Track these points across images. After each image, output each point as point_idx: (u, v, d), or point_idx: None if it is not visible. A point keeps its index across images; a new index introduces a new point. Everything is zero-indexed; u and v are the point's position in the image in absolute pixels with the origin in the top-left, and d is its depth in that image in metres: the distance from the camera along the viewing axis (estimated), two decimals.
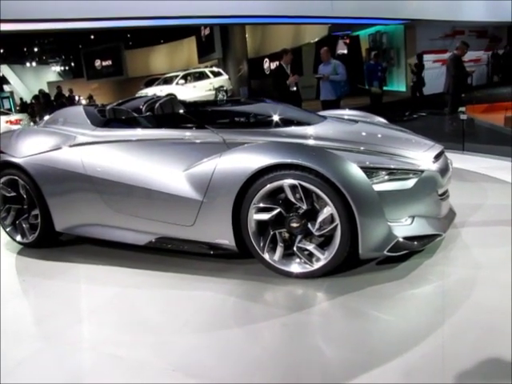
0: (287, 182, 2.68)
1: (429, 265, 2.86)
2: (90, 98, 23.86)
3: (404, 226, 2.77)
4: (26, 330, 2.61)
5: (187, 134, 3.29)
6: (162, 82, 17.62)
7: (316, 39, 16.46)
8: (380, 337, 2.21)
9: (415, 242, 2.81)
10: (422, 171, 2.87)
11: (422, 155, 3.03)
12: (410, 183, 2.80)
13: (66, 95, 15.21)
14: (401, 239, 2.72)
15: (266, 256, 2.83)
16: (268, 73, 19.25)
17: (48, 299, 2.97)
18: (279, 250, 2.80)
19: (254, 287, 2.78)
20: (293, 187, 2.69)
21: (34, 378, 2.14)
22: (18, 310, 2.88)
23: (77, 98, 23.69)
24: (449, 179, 3.18)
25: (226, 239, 2.91)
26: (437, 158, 3.10)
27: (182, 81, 17.02)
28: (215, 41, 19.79)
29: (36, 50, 31.21)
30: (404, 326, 2.26)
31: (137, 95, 14.11)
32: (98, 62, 27.33)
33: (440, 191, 3.01)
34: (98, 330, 2.52)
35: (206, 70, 17.99)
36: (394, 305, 2.47)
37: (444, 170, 3.09)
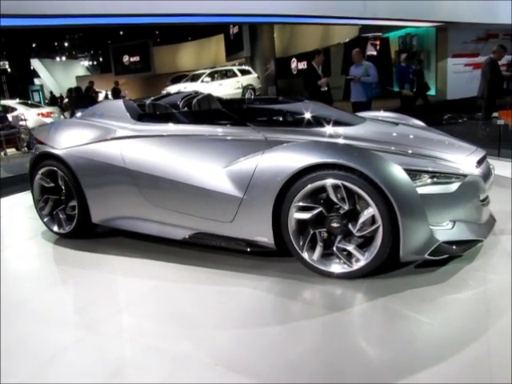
0: (330, 181, 2.67)
1: (469, 270, 2.82)
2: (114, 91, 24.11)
3: (445, 230, 2.74)
4: (67, 318, 2.66)
5: (228, 130, 3.30)
6: (190, 79, 17.71)
7: (346, 40, 16.32)
8: (423, 340, 2.19)
9: (455, 247, 2.78)
10: (465, 175, 2.83)
11: (465, 159, 2.99)
12: (453, 187, 2.76)
13: (96, 90, 15.39)
14: (442, 243, 2.69)
15: (305, 255, 2.83)
16: (295, 73, 19.21)
17: (87, 289, 3.02)
18: (318, 250, 2.80)
19: (293, 285, 2.79)
20: (335, 187, 2.68)
21: (77, 365, 2.18)
22: (59, 298, 2.94)
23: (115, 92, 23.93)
24: (491, 184, 3.14)
25: (265, 237, 2.92)
26: (479, 162, 3.05)
27: (208, 78, 17.04)
28: (244, 39, 19.79)
29: (66, 44, 31.72)
30: (447, 331, 2.23)
31: (163, 92, 14.24)
32: (126, 58, 27.56)
33: (482, 196, 2.96)
34: (137, 321, 2.56)
35: (234, 68, 18.00)
36: (436, 309, 2.44)
37: (486, 175, 3.04)
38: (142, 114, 3.78)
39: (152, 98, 4.15)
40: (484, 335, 2.15)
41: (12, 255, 3.77)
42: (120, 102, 3.97)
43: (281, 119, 3.71)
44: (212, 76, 17.29)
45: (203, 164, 3.17)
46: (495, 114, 7.55)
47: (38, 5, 8.47)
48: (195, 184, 3.13)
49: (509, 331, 2.18)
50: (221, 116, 3.63)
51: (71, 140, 3.78)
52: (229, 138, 3.25)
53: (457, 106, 12.32)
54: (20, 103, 13.58)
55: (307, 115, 3.42)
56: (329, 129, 3.23)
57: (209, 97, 4.29)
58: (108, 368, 2.14)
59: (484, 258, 2.99)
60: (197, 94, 4.33)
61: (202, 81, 16.67)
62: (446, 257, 2.80)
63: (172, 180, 3.23)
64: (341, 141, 3.01)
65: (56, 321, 2.62)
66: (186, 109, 3.95)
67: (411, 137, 3.32)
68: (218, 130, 3.32)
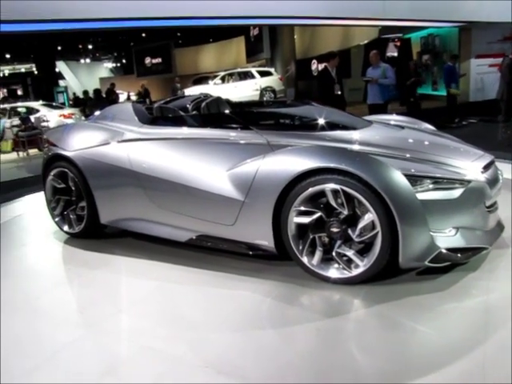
0: (329, 186, 2.66)
1: (472, 279, 2.76)
2: (139, 94, 24.42)
3: (447, 237, 2.70)
4: (69, 317, 2.71)
5: (232, 134, 3.32)
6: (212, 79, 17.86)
7: (365, 41, 16.18)
8: (416, 349, 2.17)
9: (459, 254, 2.72)
10: (469, 181, 2.78)
11: (470, 165, 2.94)
12: (456, 193, 2.71)
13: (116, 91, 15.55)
14: (444, 250, 2.65)
15: (305, 259, 2.82)
16: (316, 74, 19.12)
17: (91, 289, 3.08)
18: (318, 254, 2.79)
19: (291, 290, 2.78)
20: (334, 192, 2.67)
21: (73, 364, 2.23)
22: (63, 297, 3.00)
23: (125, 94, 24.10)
24: (498, 191, 3.07)
25: (266, 240, 2.93)
26: (486, 168, 2.99)
27: (219, 81, 17.15)
28: (264, 41, 19.83)
29: (90, 47, 32.21)
30: (443, 340, 2.19)
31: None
32: (148, 60, 27.94)
33: (488, 203, 2.90)
34: (137, 322, 2.59)
35: (253, 70, 18.02)
36: (434, 317, 2.40)
37: (493, 181, 2.98)
38: (150, 117, 3.83)
39: (162, 101, 4.20)
40: (481, 346, 2.11)
41: (25, 253, 3.87)
42: (129, 105, 4.03)
43: (285, 123, 3.71)
44: (231, 77, 17.36)
45: (206, 167, 3.20)
46: None
47: (61, 9, 8.65)
48: (198, 187, 3.16)
49: (507, 343, 2.13)
50: (225, 119, 3.65)
51: (81, 142, 3.85)
52: (232, 141, 3.27)
53: (480, 108, 12.12)
54: (43, 105, 13.86)
55: (311, 119, 3.41)
56: (332, 133, 3.21)
57: (218, 100, 4.32)
58: (101, 367, 2.18)
59: (490, 266, 2.92)
60: (206, 97, 4.36)
61: (215, 83, 16.74)
62: (449, 264, 2.76)
63: (176, 182, 3.26)
64: (343, 145, 2.99)
65: (57, 319, 2.67)
66: (194, 112, 3.99)
67: (415, 141, 3.28)
68: (222, 134, 3.34)
